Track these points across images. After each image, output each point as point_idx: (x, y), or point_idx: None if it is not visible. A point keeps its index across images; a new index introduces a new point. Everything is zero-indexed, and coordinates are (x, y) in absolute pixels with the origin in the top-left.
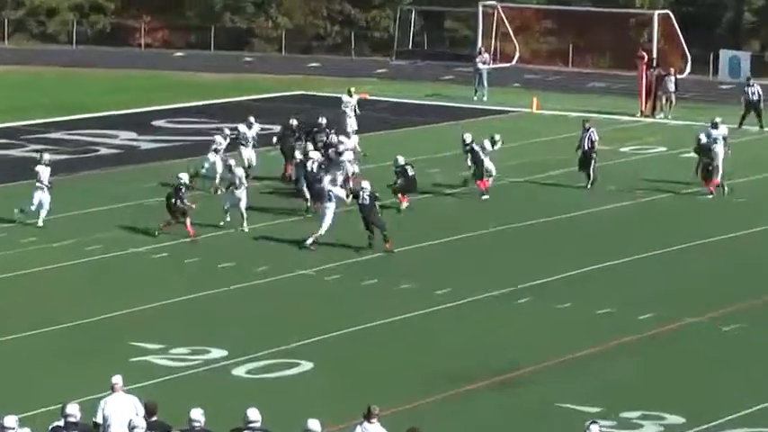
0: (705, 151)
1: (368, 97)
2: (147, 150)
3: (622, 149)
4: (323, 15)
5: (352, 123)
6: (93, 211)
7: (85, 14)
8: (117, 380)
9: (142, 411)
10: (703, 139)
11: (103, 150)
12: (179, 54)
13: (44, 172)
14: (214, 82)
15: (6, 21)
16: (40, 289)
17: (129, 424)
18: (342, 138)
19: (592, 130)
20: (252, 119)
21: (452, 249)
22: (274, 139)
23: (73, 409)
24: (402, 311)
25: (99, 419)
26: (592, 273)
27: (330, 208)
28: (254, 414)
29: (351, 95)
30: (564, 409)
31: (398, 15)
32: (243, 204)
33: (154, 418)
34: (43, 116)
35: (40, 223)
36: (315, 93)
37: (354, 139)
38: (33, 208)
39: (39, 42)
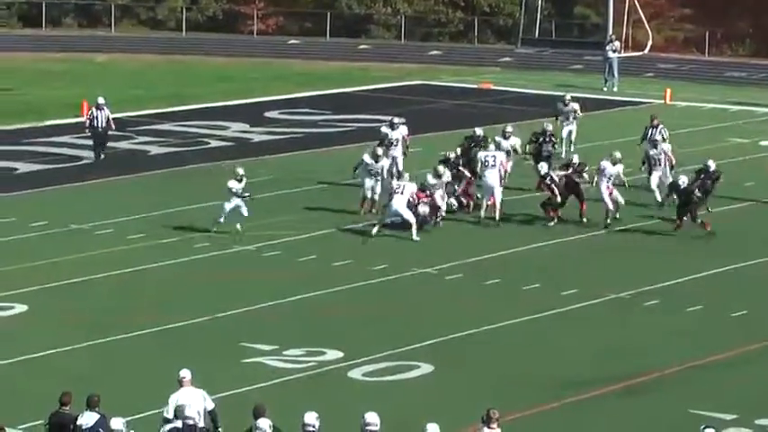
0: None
1: (492, 87)
2: (259, 143)
3: (762, 143)
4: (444, 1)
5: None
6: (203, 207)
7: (195, 0)
8: (185, 374)
9: (211, 405)
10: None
11: (214, 143)
12: (293, 41)
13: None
14: (329, 71)
15: (113, 6)
16: (149, 288)
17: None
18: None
19: (661, 126)
20: (395, 119)
21: (580, 248)
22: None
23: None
24: (526, 313)
25: (170, 415)
26: (722, 274)
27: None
28: (372, 418)
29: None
30: (696, 416)
31: (524, 0)
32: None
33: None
34: (151, 107)
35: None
36: (436, 83)
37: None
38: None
39: (147, 29)
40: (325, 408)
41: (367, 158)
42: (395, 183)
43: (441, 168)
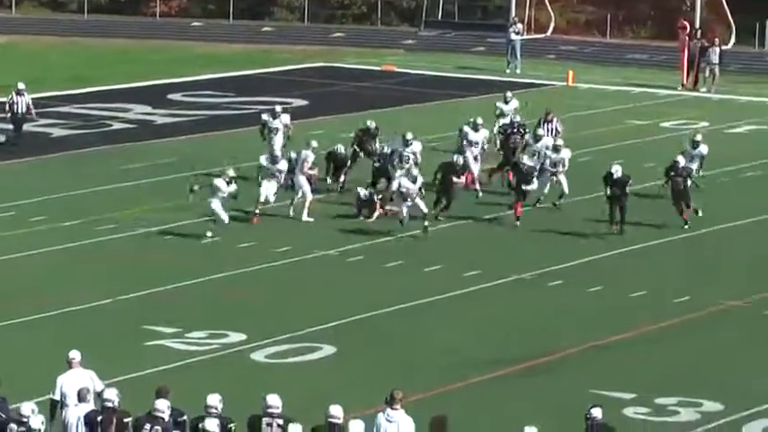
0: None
1: (395, 69)
2: (162, 125)
3: (663, 125)
4: None
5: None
6: (105, 189)
7: None
8: (74, 355)
9: (100, 386)
10: (681, 161)
11: (116, 125)
12: (196, 23)
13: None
14: (232, 53)
15: None
16: (50, 271)
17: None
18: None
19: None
20: (278, 108)
21: (483, 230)
22: None
23: (110, 394)
24: (428, 294)
25: (57, 396)
26: (622, 256)
27: None
28: (273, 400)
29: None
30: (597, 396)
31: None
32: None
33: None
34: (52, 89)
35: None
36: (339, 65)
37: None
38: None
39: (48, 11)
40: (228, 390)
41: (263, 161)
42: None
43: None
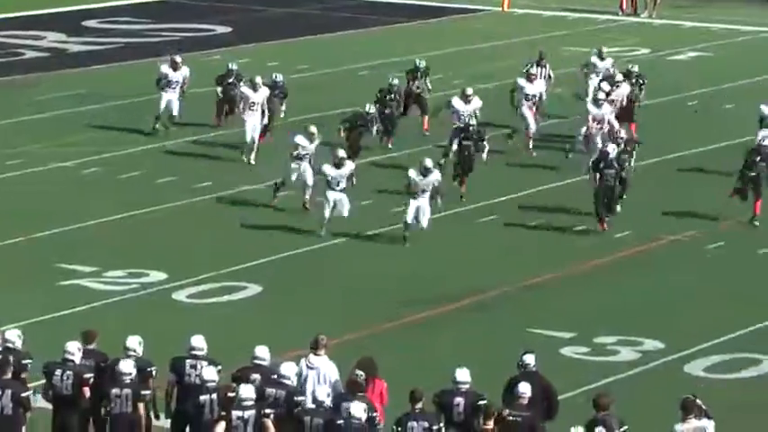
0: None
1: None
2: (77, 53)
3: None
4: None
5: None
6: (16, 122)
7: None
8: None
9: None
10: (612, 152)
11: (29, 54)
12: None
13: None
14: None
15: None
16: None
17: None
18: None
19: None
20: (177, 57)
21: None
22: None
23: (11, 335)
24: (360, 229)
25: None
26: (564, 188)
27: None
28: (198, 341)
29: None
30: (535, 335)
31: None
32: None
33: (91, 347)
34: None
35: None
36: None
37: None
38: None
39: None
40: (149, 331)
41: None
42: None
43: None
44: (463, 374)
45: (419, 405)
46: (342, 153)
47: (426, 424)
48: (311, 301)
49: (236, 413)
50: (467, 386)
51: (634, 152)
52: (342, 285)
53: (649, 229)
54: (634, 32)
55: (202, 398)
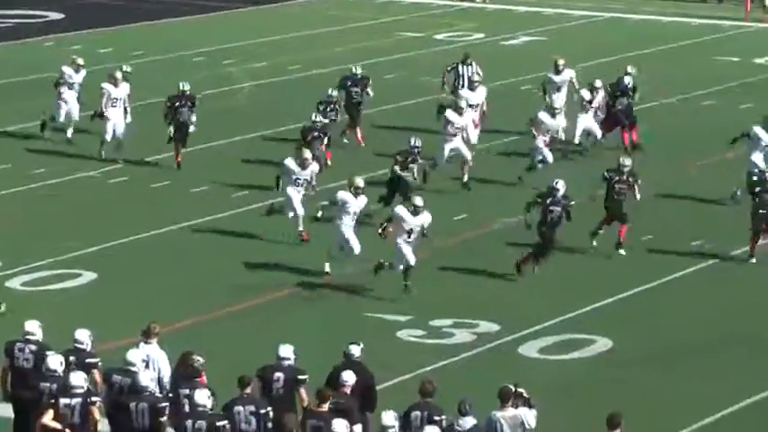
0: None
1: None
2: None
3: (436, 37)
4: None
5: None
6: None
7: None
8: None
9: None
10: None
11: None
12: None
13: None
14: None
15: None
16: None
17: None
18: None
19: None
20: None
21: (256, 148)
22: None
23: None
24: (197, 215)
25: None
26: None
27: None
28: (31, 326)
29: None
30: (372, 319)
31: None
32: None
33: None
34: None
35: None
36: None
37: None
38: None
39: None
40: None
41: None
42: None
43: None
44: (286, 350)
45: (247, 390)
46: (308, 154)
47: (253, 408)
48: (146, 289)
49: (63, 401)
50: (289, 362)
51: (636, 184)
52: (177, 272)
53: (480, 215)
54: (469, 18)
55: (42, 385)
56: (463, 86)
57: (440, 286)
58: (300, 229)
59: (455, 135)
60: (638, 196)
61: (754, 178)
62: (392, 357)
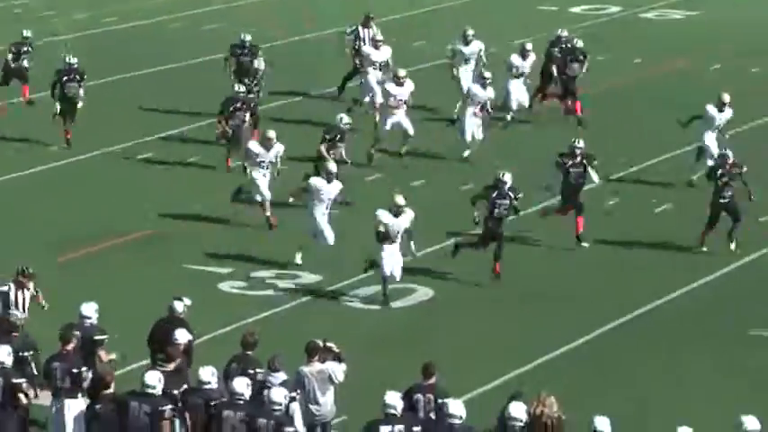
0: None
1: None
2: None
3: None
4: None
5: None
6: None
7: None
8: None
9: None
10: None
11: None
12: None
13: None
14: None
15: None
16: None
17: None
18: None
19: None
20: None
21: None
22: None
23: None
24: (25, 168)
25: None
26: None
27: None
28: None
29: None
30: (193, 270)
31: None
32: None
33: None
34: None
35: None
36: None
37: None
38: None
39: None
40: None
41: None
42: None
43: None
44: (88, 309)
45: (69, 347)
46: (271, 134)
47: (67, 365)
48: None
49: None
50: (90, 321)
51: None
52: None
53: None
54: None
55: None
56: (365, 45)
57: (260, 238)
58: (268, 214)
59: (397, 107)
60: (597, 179)
61: (713, 162)
62: (214, 309)
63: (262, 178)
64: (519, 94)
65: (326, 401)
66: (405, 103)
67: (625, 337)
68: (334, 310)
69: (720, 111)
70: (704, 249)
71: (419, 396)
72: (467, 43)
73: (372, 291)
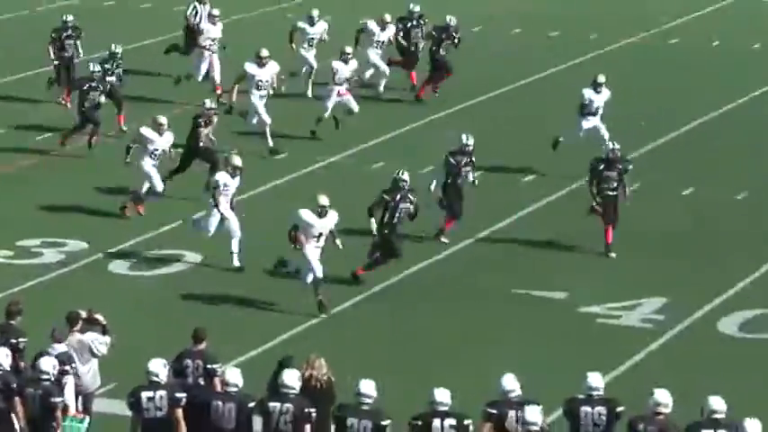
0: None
1: None
2: None
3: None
4: None
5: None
6: None
7: None
8: None
9: None
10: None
11: None
12: None
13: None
14: None
15: None
16: None
17: None
18: None
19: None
20: None
21: None
22: None
23: None
24: None
25: None
26: None
27: None
28: None
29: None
30: None
31: None
32: None
33: None
34: None
35: None
36: None
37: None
38: None
39: None
40: None
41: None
42: None
43: None
44: None
45: None
46: (163, 120)
47: None
48: None
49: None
50: None
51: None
52: None
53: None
54: None
55: None
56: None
57: (27, 206)
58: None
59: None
60: (473, 178)
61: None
62: None
63: (153, 169)
64: (378, 62)
65: (86, 372)
66: (271, 85)
67: (380, 303)
68: (103, 277)
69: (597, 92)
70: None
71: (188, 361)
72: (312, 24)
73: (142, 257)
